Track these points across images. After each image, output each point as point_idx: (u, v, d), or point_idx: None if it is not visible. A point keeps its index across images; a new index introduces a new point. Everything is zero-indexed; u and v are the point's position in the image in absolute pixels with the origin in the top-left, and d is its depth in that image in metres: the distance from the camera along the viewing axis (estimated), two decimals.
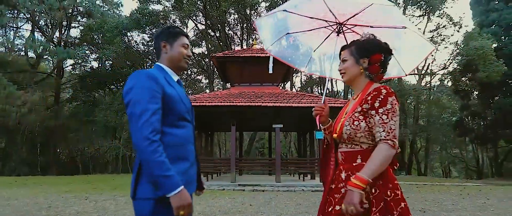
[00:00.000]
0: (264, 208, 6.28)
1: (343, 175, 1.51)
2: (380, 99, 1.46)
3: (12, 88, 17.69)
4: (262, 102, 11.34)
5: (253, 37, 27.83)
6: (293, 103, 11.47)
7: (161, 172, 1.30)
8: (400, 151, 19.51)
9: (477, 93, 26.44)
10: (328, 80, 2.01)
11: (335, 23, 1.96)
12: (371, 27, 1.88)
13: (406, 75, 1.96)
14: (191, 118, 1.60)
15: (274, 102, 11.43)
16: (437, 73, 26.74)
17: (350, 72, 1.60)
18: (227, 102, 11.52)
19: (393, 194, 1.39)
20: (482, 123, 27.42)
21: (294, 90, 27.70)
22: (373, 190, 1.39)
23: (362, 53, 1.57)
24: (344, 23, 1.94)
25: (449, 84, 26.29)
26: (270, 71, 2.80)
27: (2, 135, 24.92)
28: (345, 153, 1.54)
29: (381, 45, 1.58)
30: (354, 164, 1.49)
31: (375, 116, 1.44)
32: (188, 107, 1.57)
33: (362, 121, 1.47)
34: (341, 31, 1.97)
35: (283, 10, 1.96)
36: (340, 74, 1.65)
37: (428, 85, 28.52)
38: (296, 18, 1.98)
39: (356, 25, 1.95)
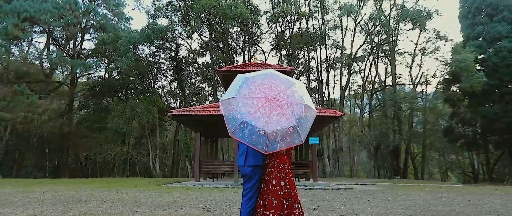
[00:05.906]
0: None
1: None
2: None
3: (34, 97, 19.38)
4: None
5: (254, 49, 29.65)
6: None
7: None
8: (395, 157, 21.12)
9: (467, 101, 27.89)
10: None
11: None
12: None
13: (302, 142, 3.01)
14: None
15: None
16: (429, 82, 28.38)
17: None
18: None
19: (283, 165, 3.26)
20: (476, 130, 28.63)
21: None
22: (275, 163, 3.25)
23: None
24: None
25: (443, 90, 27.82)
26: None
27: (20, 142, 26.60)
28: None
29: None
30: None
31: None
32: None
33: None
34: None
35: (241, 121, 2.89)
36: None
37: (424, 91, 29.93)
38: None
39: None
